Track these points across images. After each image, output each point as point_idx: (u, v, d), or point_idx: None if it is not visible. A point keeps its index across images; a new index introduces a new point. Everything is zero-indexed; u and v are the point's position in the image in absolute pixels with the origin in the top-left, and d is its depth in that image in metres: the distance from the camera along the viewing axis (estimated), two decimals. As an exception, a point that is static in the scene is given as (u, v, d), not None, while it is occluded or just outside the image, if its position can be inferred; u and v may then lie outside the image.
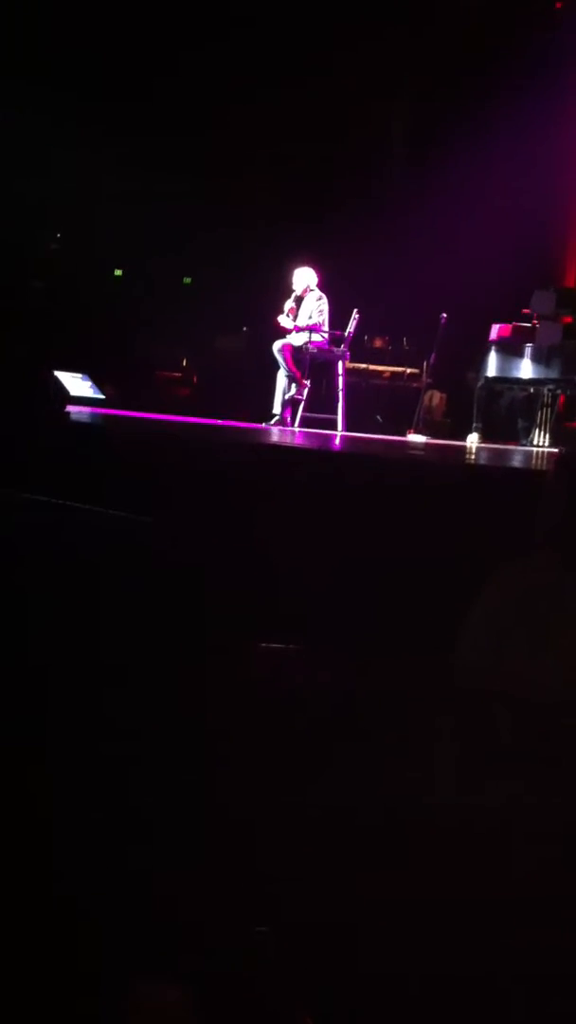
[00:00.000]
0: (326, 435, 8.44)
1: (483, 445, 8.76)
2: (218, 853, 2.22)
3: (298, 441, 7.57)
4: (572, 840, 2.33)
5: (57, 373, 7.97)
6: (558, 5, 11.10)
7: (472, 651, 2.63)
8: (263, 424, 8.76)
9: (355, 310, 8.93)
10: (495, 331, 9.06)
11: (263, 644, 2.69)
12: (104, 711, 2.36)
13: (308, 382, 8.78)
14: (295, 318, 8.91)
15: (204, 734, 2.37)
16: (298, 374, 8.76)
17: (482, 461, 6.99)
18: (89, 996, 1.68)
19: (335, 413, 8.90)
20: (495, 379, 8.98)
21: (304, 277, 8.95)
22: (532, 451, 8.60)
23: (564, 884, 2.26)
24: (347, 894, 2.29)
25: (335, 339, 8.95)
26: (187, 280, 11.99)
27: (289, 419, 8.81)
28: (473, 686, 2.51)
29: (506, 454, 8.09)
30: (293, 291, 8.94)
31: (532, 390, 9.06)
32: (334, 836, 2.40)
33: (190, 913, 1.97)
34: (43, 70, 10.33)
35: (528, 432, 9.20)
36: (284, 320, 8.89)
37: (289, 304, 8.93)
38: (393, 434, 9.57)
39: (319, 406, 9.06)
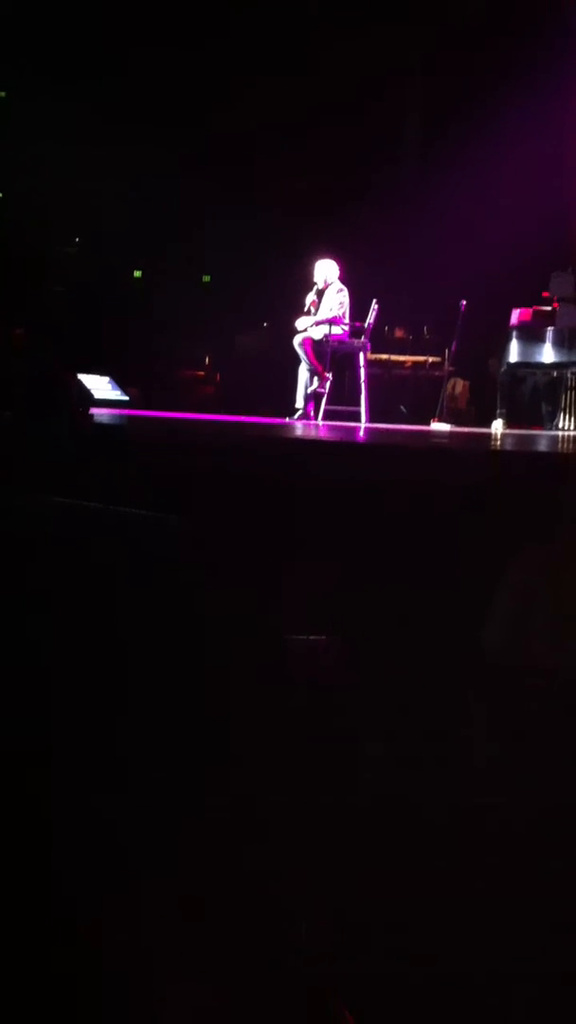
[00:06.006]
0: (350, 427, 8.43)
1: (508, 431, 8.72)
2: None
3: (322, 434, 7.55)
4: None
5: (80, 376, 7.99)
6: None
7: (501, 632, 2.63)
8: (286, 419, 8.75)
9: (374, 300, 8.87)
10: (515, 316, 9.04)
11: (292, 636, 2.69)
12: (127, 714, 2.36)
13: (330, 375, 8.75)
14: (316, 311, 8.86)
15: (230, 730, 2.37)
16: (319, 367, 8.74)
17: (508, 447, 6.95)
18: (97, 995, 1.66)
19: (358, 405, 8.88)
20: (517, 364, 8.96)
21: (324, 269, 8.88)
22: (557, 435, 8.56)
23: None
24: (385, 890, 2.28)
25: (355, 331, 8.91)
26: (206, 278, 12.02)
27: (312, 413, 8.80)
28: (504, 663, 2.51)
29: (531, 439, 8.04)
30: (314, 284, 8.89)
31: (555, 374, 9.02)
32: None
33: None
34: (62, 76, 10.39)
35: (553, 416, 9.16)
36: (302, 322, 8.82)
37: (310, 298, 8.86)
38: (417, 423, 9.55)
39: (342, 398, 9.04)
